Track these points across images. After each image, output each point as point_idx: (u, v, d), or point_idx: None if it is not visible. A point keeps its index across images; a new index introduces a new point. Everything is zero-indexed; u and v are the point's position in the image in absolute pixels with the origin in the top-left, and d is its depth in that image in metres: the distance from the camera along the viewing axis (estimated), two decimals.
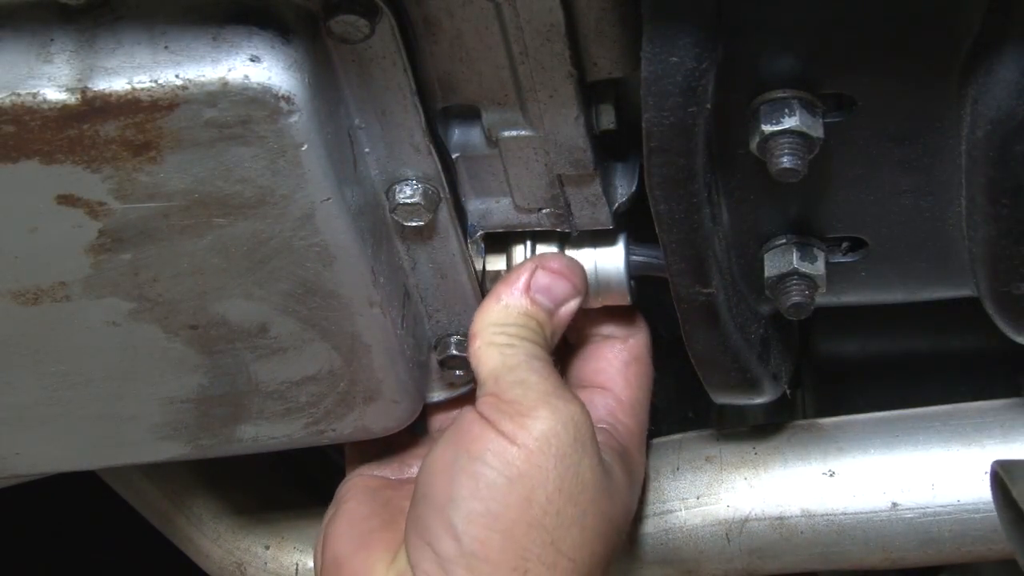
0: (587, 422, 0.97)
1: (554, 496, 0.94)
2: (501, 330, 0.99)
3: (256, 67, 0.82)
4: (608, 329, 1.08)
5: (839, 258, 0.98)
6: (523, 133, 0.94)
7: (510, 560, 0.93)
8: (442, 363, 1.06)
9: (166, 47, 0.82)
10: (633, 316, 1.09)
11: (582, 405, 0.98)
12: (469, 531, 0.93)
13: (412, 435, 1.13)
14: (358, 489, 1.07)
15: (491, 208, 1.00)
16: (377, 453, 1.12)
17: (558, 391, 0.97)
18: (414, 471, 1.09)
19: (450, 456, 0.96)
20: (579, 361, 1.10)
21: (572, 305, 1.02)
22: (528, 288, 1.00)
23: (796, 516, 1.10)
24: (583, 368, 1.09)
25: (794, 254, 0.96)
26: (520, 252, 1.04)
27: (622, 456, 1.03)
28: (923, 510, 1.08)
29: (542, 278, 1.01)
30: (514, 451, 0.94)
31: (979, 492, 1.07)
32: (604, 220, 1.00)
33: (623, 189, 1.01)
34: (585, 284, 1.03)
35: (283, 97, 0.83)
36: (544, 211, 1.00)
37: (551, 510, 0.94)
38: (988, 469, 0.99)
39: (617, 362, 1.08)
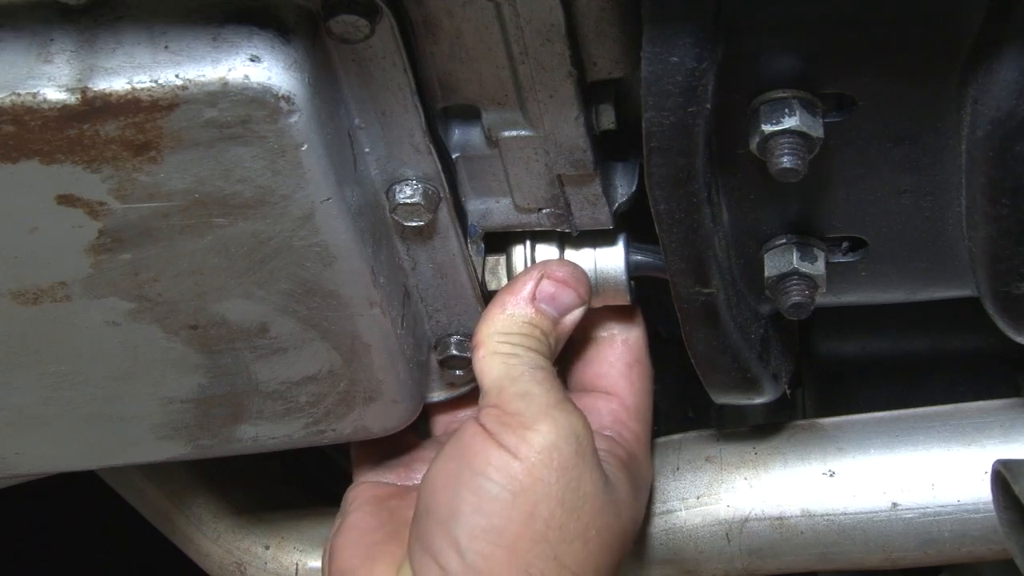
0: (588, 435, 0.97)
1: (556, 510, 0.94)
2: (505, 339, 0.99)
3: (256, 67, 0.82)
4: (608, 328, 1.08)
5: (839, 258, 0.98)
6: (523, 133, 0.94)
7: (514, 575, 0.93)
8: (442, 363, 1.06)
9: (166, 47, 0.82)
10: (631, 313, 1.08)
11: (583, 417, 0.98)
12: (473, 546, 0.93)
13: (417, 437, 1.13)
14: (363, 499, 1.07)
15: (491, 208, 1.00)
16: (383, 455, 1.12)
17: (560, 403, 0.97)
18: (419, 477, 1.08)
19: (453, 470, 0.96)
20: (581, 364, 1.09)
21: (576, 314, 1.02)
22: (533, 297, 1.00)
23: (796, 516, 1.10)
24: (585, 371, 1.09)
25: (794, 254, 0.96)
26: (520, 252, 1.04)
27: (627, 465, 1.02)
28: (923, 510, 1.08)
29: (547, 287, 1.01)
30: (516, 465, 0.94)
31: (979, 492, 1.07)
32: (604, 220, 1.00)
33: (623, 189, 1.01)
34: (589, 292, 1.03)
35: (283, 97, 0.83)
36: (544, 211, 1.00)
37: (554, 524, 0.94)
38: (988, 469, 0.99)
39: (620, 364, 1.07)
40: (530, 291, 1.00)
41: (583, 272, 1.03)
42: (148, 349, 0.96)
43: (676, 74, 0.83)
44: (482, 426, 0.96)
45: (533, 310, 1.00)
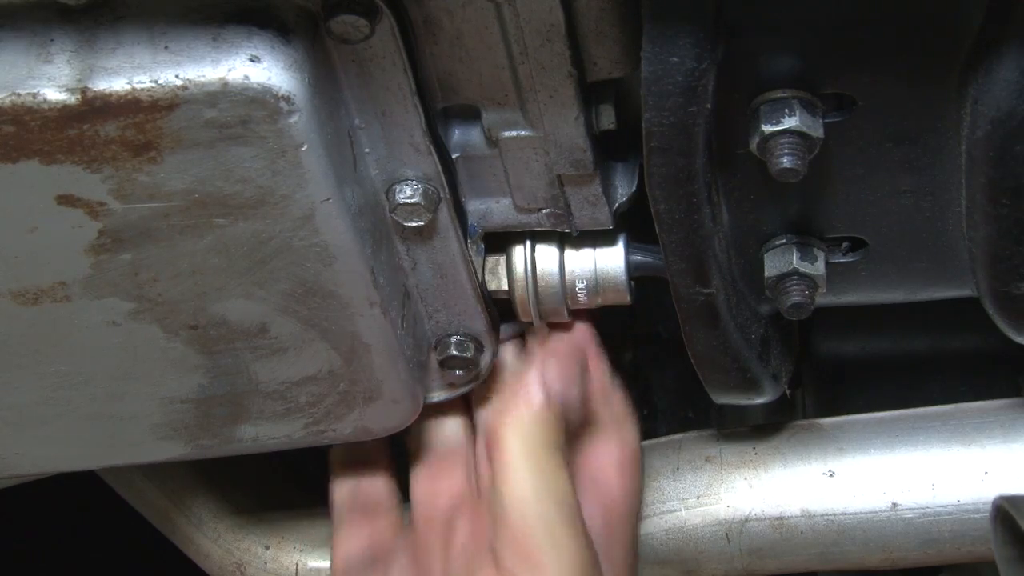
0: (595, 568, 0.97)
1: None
2: (532, 449, 0.97)
3: (256, 67, 0.82)
4: (603, 416, 1.08)
5: (839, 258, 0.98)
6: (523, 133, 0.94)
7: None
8: (442, 363, 1.06)
9: (166, 47, 0.82)
10: (625, 414, 1.09)
11: (591, 548, 0.97)
12: None
13: (391, 470, 1.13)
14: None
15: (491, 208, 1.00)
16: (360, 467, 1.12)
17: (573, 532, 0.96)
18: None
19: None
20: (578, 454, 1.08)
21: (582, 389, 1.03)
22: (547, 394, 0.99)
23: (796, 516, 1.10)
24: (586, 460, 1.08)
25: (794, 254, 0.96)
26: (520, 252, 1.04)
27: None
28: (923, 510, 1.08)
29: (555, 384, 0.99)
30: None
31: (979, 492, 1.07)
32: (604, 220, 1.00)
33: (623, 189, 1.01)
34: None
35: (283, 97, 0.83)
36: (544, 211, 1.00)
37: None
38: (989, 469, 0.99)
39: (613, 462, 1.08)
40: (543, 390, 0.99)
41: (582, 337, 1.04)
42: (148, 349, 0.96)
43: (676, 74, 0.83)
44: (498, 562, 0.96)
45: (550, 412, 0.98)
